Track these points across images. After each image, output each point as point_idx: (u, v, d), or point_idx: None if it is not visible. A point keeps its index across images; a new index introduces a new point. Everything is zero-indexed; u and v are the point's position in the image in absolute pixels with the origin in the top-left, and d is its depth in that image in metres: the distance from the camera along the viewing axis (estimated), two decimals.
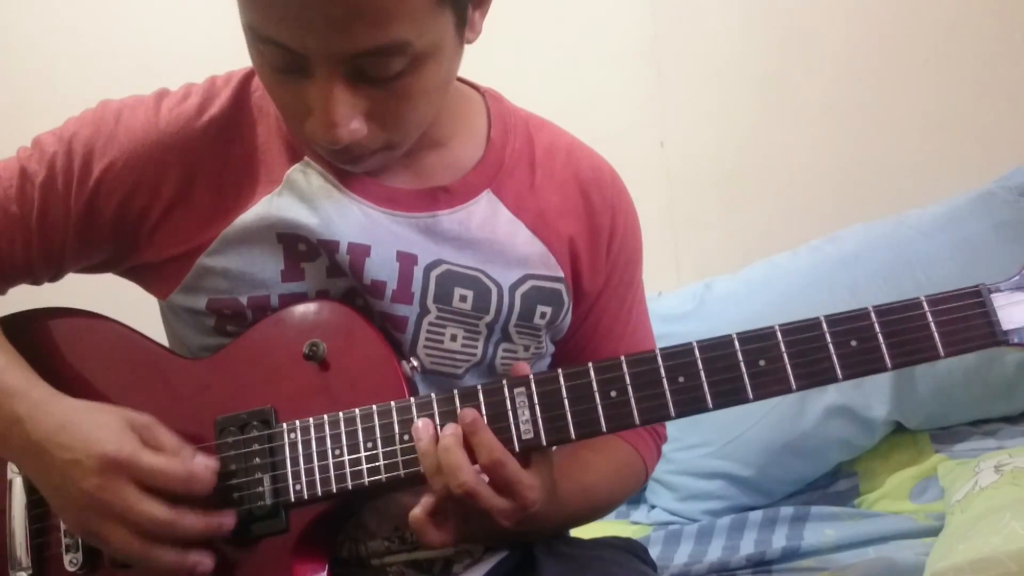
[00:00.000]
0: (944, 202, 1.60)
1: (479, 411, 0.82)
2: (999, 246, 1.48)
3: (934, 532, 1.24)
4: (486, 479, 0.80)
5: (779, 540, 1.36)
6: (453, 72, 0.86)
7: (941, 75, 1.78)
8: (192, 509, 0.82)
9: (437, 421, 0.82)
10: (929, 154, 1.78)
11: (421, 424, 0.81)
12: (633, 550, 1.04)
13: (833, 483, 1.55)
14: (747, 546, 1.38)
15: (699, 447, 1.59)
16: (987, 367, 1.45)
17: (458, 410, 0.82)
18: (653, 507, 1.65)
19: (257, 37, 0.78)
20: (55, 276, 0.96)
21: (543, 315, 0.96)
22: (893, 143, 1.81)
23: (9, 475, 0.91)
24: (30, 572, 0.89)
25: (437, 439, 0.80)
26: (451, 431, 0.80)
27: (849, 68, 1.82)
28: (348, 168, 0.90)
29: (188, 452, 0.84)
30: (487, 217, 0.94)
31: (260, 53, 0.80)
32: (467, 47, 0.86)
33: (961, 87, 1.77)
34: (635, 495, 1.67)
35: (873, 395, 1.49)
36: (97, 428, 0.82)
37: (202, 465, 0.83)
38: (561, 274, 0.97)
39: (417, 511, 0.81)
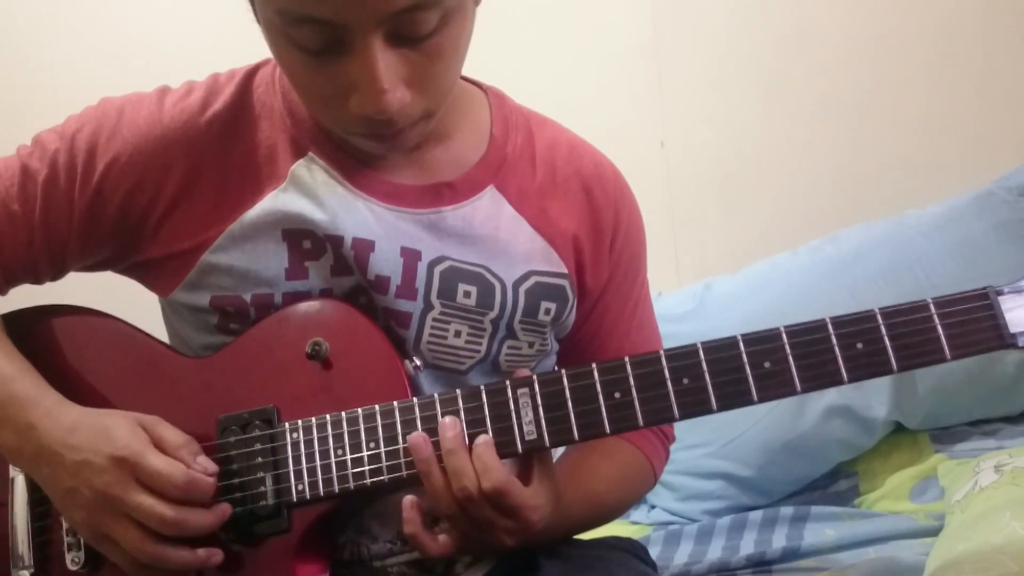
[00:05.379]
0: (944, 202, 1.60)
1: (483, 411, 0.82)
2: (999, 246, 1.48)
3: (934, 532, 1.24)
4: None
5: (779, 540, 1.36)
6: (471, 32, 0.85)
7: (941, 75, 1.78)
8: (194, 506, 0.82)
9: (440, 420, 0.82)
10: (929, 154, 1.78)
11: (420, 440, 0.81)
12: (633, 550, 1.04)
13: (833, 483, 1.55)
14: (747, 546, 1.38)
15: (699, 447, 1.59)
16: (987, 367, 1.44)
17: (461, 411, 0.82)
18: (653, 507, 1.65)
19: (289, 20, 0.76)
20: (57, 275, 0.96)
21: (547, 311, 0.96)
22: (893, 143, 1.81)
23: (12, 472, 0.91)
24: (32, 570, 0.89)
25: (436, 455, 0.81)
26: (452, 433, 0.81)
27: (849, 68, 1.82)
28: (387, 151, 0.89)
29: (191, 450, 0.84)
30: (491, 213, 0.94)
31: (291, 42, 0.78)
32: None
33: (961, 87, 1.77)
34: None
35: (873, 395, 1.49)
36: (106, 429, 0.82)
37: (203, 469, 0.83)
38: (565, 270, 0.96)
39: (411, 529, 0.82)
